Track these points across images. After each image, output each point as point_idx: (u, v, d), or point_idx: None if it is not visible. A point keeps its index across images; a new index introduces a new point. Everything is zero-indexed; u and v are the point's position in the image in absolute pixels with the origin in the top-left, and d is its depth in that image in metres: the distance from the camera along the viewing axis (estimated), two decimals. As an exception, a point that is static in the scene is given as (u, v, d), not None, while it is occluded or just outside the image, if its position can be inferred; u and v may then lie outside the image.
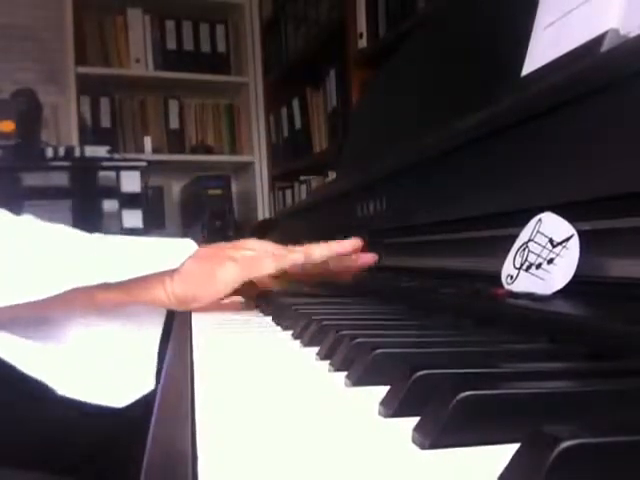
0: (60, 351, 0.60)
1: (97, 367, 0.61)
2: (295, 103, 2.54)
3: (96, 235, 0.59)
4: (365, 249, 0.72)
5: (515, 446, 0.19)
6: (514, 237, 0.46)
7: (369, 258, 0.72)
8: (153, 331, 0.63)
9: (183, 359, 0.42)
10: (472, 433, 0.22)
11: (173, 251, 0.58)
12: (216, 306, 0.64)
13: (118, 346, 0.62)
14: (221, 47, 2.91)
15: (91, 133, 2.69)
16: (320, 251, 0.66)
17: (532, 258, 0.43)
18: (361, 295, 0.70)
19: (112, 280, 0.54)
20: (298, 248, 0.66)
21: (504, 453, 0.19)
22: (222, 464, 0.22)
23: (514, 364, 0.30)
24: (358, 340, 0.36)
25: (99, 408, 0.58)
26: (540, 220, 0.43)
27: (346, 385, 0.32)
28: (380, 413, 0.27)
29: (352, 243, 0.69)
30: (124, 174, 2.02)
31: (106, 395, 0.60)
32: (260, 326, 0.58)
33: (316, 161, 2.38)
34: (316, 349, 0.41)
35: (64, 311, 0.59)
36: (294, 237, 1.38)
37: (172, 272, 0.57)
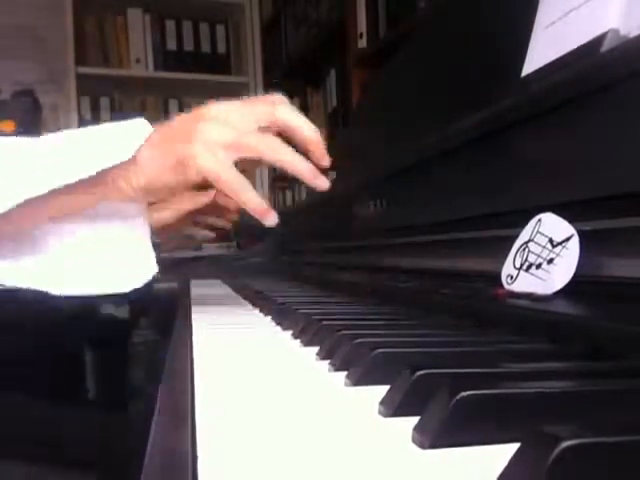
0: (52, 259, 0.56)
1: (95, 262, 0.57)
2: (295, 103, 2.54)
3: (43, 138, 0.56)
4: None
5: (515, 446, 0.19)
6: (514, 237, 0.46)
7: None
8: (139, 222, 0.58)
9: (183, 359, 0.42)
10: (472, 433, 0.22)
11: (129, 136, 0.54)
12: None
13: (109, 241, 0.58)
14: (221, 47, 2.91)
15: (91, 133, 2.69)
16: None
17: (532, 258, 0.43)
18: (361, 295, 0.70)
19: (73, 178, 0.50)
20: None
21: (504, 453, 0.19)
22: (222, 464, 0.22)
23: (514, 364, 0.30)
24: (358, 340, 0.36)
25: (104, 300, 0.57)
26: (540, 220, 0.43)
27: (346, 385, 0.32)
28: (380, 413, 0.27)
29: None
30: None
31: (110, 283, 0.57)
32: (260, 326, 0.58)
33: (316, 161, 2.38)
34: (316, 349, 0.41)
35: (39, 225, 0.54)
36: (294, 237, 1.38)
37: (133, 166, 0.52)
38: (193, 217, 0.74)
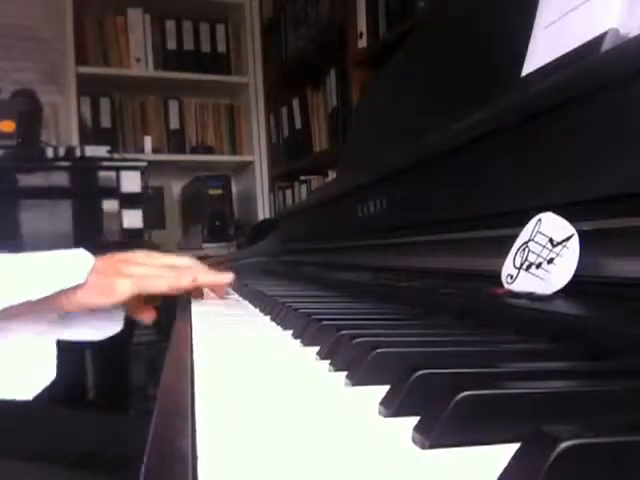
0: None
1: (2, 367, 0.70)
2: (295, 103, 2.54)
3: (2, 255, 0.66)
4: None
5: (515, 446, 0.19)
6: (514, 237, 0.46)
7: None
8: (51, 326, 0.72)
9: (183, 359, 0.42)
10: (472, 433, 0.22)
11: (72, 265, 0.67)
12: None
13: (17, 344, 0.70)
14: (221, 47, 2.91)
15: (91, 133, 2.69)
16: (199, 277, 0.75)
17: (532, 258, 0.43)
18: (361, 295, 0.70)
19: (33, 297, 0.62)
20: (182, 267, 0.76)
21: (504, 453, 0.19)
22: (222, 464, 0.22)
23: (514, 364, 0.30)
24: (358, 340, 0.36)
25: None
26: (540, 220, 0.43)
27: (346, 385, 0.32)
28: (380, 413, 0.27)
29: (228, 277, 0.79)
30: (124, 174, 2.01)
31: (15, 390, 0.69)
32: (260, 326, 0.58)
33: (316, 161, 2.38)
34: (316, 349, 0.41)
35: None
36: (294, 237, 1.38)
37: (75, 287, 0.66)
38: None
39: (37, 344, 0.71)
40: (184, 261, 0.78)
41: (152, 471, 0.23)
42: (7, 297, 0.61)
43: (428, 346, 0.36)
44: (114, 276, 0.68)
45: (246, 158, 2.97)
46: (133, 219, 2.05)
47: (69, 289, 0.66)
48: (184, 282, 0.72)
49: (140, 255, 0.76)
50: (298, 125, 2.54)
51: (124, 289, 0.68)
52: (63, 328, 0.74)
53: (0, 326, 0.69)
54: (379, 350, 0.32)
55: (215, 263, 1.03)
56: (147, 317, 0.84)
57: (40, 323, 0.71)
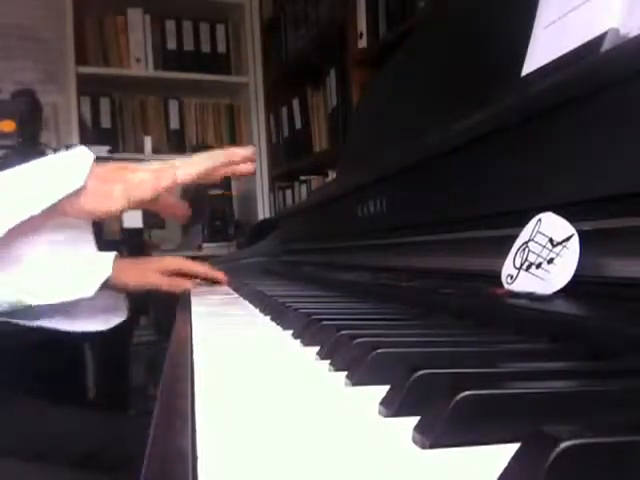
0: (18, 271, 0.70)
1: (59, 271, 0.73)
2: (295, 103, 2.54)
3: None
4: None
5: (515, 446, 0.19)
6: (514, 237, 0.46)
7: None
8: (83, 226, 0.76)
9: (183, 359, 0.42)
10: (472, 433, 0.22)
11: (74, 166, 0.67)
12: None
13: (64, 249, 0.74)
14: (221, 47, 2.91)
15: (91, 133, 2.69)
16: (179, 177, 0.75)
17: (532, 258, 0.43)
18: (361, 295, 0.70)
19: (35, 211, 0.63)
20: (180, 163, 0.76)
21: (504, 453, 0.19)
22: (222, 464, 0.22)
23: (514, 364, 0.30)
24: (358, 340, 0.36)
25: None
26: (540, 220, 0.43)
27: (346, 385, 0.32)
28: (380, 413, 0.27)
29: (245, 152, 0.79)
30: (124, 174, 2.01)
31: (76, 290, 0.72)
32: (260, 326, 0.58)
33: (316, 161, 2.38)
34: (316, 349, 0.41)
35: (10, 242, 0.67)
36: (294, 237, 1.38)
37: (77, 191, 0.66)
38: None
39: (78, 242, 0.74)
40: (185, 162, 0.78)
41: (152, 471, 0.23)
42: (8, 218, 0.62)
43: (428, 346, 0.36)
44: (114, 182, 0.69)
45: (246, 158, 2.97)
46: (133, 219, 2.05)
47: (71, 194, 0.66)
48: (164, 183, 0.72)
49: (138, 164, 0.76)
50: (298, 125, 2.54)
51: (121, 194, 0.68)
52: (70, 319, 0.75)
53: (24, 240, 0.69)
54: (379, 350, 0.32)
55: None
56: (185, 284, 0.91)
57: (62, 232, 0.73)
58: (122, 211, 0.71)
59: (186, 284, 0.93)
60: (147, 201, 0.73)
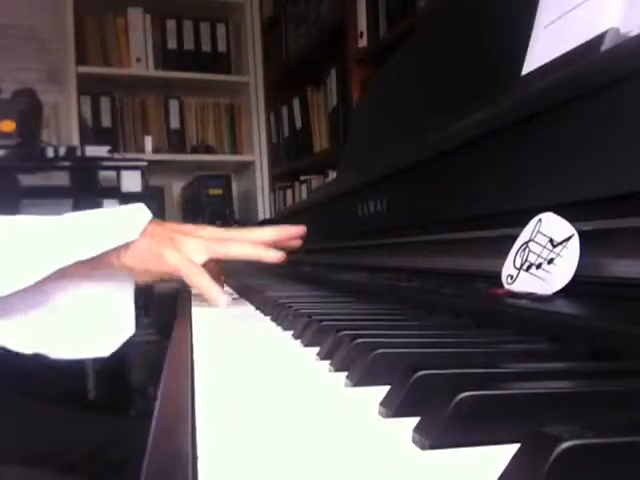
0: (45, 318, 0.69)
1: (81, 326, 0.71)
2: (296, 102, 2.54)
3: (56, 217, 0.66)
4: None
5: (515, 446, 0.19)
6: (514, 237, 0.46)
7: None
8: (125, 285, 0.73)
9: (183, 359, 0.42)
10: (472, 433, 0.22)
11: (130, 220, 0.67)
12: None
13: (97, 303, 0.71)
14: (222, 46, 2.91)
15: (92, 133, 2.69)
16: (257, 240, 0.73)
17: (532, 258, 0.43)
18: (362, 295, 0.70)
19: (83, 257, 0.62)
20: (240, 237, 0.74)
21: (504, 453, 0.19)
22: (222, 464, 0.22)
23: (514, 364, 0.30)
24: (358, 340, 0.36)
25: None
26: (540, 220, 0.43)
27: (346, 385, 0.32)
28: (380, 413, 0.27)
29: (296, 230, 0.78)
30: (125, 174, 2.01)
31: (94, 348, 0.71)
32: (260, 326, 0.58)
33: (317, 161, 2.38)
34: (316, 349, 0.41)
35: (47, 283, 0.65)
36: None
37: (127, 246, 0.66)
38: None
39: (114, 298, 0.72)
40: (242, 234, 0.75)
41: (152, 472, 0.23)
42: (57, 258, 0.61)
43: (428, 346, 0.36)
44: (166, 246, 0.67)
45: (246, 158, 2.97)
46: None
47: (121, 248, 0.65)
48: (214, 255, 0.70)
49: (197, 228, 0.74)
50: (298, 124, 2.54)
51: (172, 261, 0.67)
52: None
53: (64, 285, 0.68)
54: (379, 350, 0.32)
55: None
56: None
57: (108, 281, 0.71)
58: (165, 275, 0.70)
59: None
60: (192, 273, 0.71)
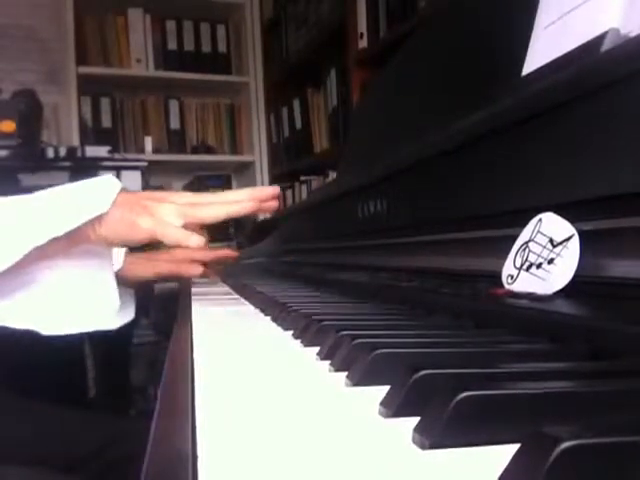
0: (34, 298, 0.69)
1: (68, 302, 0.72)
2: (296, 103, 2.54)
3: (25, 196, 0.66)
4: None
5: (515, 446, 0.19)
6: (514, 237, 0.46)
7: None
8: (105, 260, 0.74)
9: (183, 359, 0.42)
10: (472, 433, 0.22)
11: (100, 192, 0.67)
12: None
13: (79, 280, 0.72)
14: (222, 47, 2.91)
15: (92, 133, 2.69)
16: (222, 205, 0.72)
17: (532, 258, 0.43)
18: (362, 295, 0.70)
19: (56, 233, 0.62)
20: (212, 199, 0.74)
21: (504, 453, 0.19)
22: (222, 464, 0.22)
23: (514, 364, 0.30)
24: (358, 340, 0.36)
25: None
26: (540, 220, 0.43)
27: (346, 385, 0.32)
28: (380, 413, 0.27)
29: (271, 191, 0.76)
30: (125, 174, 2.01)
31: (85, 322, 0.72)
32: (260, 326, 0.58)
33: (317, 161, 2.38)
34: (316, 349, 0.41)
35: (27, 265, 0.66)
36: (294, 237, 1.38)
37: (100, 218, 0.66)
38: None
39: (96, 274, 0.73)
40: (210, 197, 0.75)
41: (152, 471, 0.23)
42: (32, 238, 0.61)
43: (428, 346, 0.36)
44: (139, 213, 0.68)
45: (246, 158, 2.97)
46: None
47: (94, 220, 0.65)
48: (189, 220, 0.70)
49: (169, 194, 0.75)
50: (298, 125, 2.54)
51: (146, 226, 0.67)
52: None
53: (47, 264, 0.69)
54: (379, 350, 0.32)
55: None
56: (194, 271, 0.93)
57: (88, 258, 0.72)
58: (143, 242, 0.70)
59: (195, 270, 0.96)
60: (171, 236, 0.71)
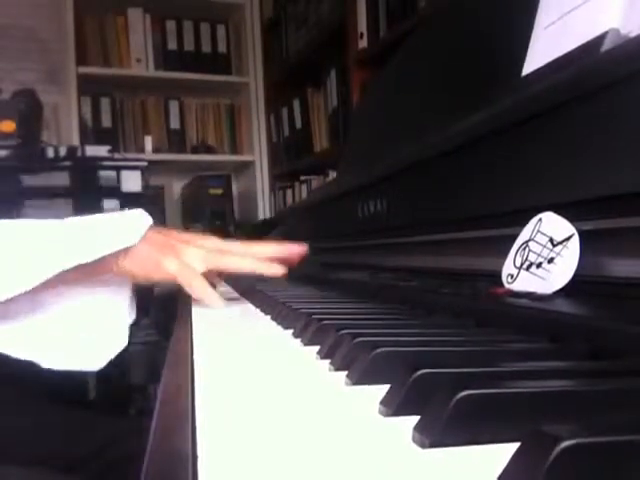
0: (39, 326, 0.69)
1: (74, 335, 0.71)
2: (296, 103, 2.54)
3: (57, 221, 0.66)
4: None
5: (515, 445, 0.19)
6: (514, 237, 0.46)
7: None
8: (122, 294, 0.72)
9: (183, 359, 0.42)
10: (472, 432, 0.22)
11: (130, 226, 0.66)
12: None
13: (92, 310, 0.71)
14: (222, 47, 2.91)
15: (92, 133, 2.69)
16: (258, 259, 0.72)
17: (532, 257, 0.43)
18: (362, 295, 0.70)
19: (84, 260, 0.62)
20: (239, 250, 0.73)
21: (504, 453, 0.19)
22: (222, 463, 0.22)
23: (514, 363, 0.30)
24: (358, 339, 0.36)
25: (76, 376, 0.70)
26: (540, 219, 0.43)
27: (346, 384, 0.32)
28: (380, 412, 0.27)
29: (297, 249, 0.76)
30: (125, 174, 2.01)
31: (84, 361, 0.70)
32: (260, 325, 0.58)
33: (317, 161, 2.38)
34: (316, 348, 0.41)
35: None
36: (294, 237, 1.38)
37: (127, 250, 0.66)
38: None
39: (110, 307, 0.71)
40: (240, 248, 0.74)
41: (152, 471, 0.23)
42: (58, 262, 0.61)
43: (428, 346, 0.36)
44: (166, 254, 0.67)
45: (246, 158, 2.98)
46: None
47: (121, 252, 0.65)
48: (212, 266, 0.70)
49: (197, 237, 0.74)
50: (298, 125, 2.54)
51: (171, 269, 0.67)
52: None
53: (59, 291, 0.68)
54: (379, 350, 0.32)
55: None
56: (276, 270, 0.85)
57: (105, 288, 0.71)
58: (163, 282, 0.70)
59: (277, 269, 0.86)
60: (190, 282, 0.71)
